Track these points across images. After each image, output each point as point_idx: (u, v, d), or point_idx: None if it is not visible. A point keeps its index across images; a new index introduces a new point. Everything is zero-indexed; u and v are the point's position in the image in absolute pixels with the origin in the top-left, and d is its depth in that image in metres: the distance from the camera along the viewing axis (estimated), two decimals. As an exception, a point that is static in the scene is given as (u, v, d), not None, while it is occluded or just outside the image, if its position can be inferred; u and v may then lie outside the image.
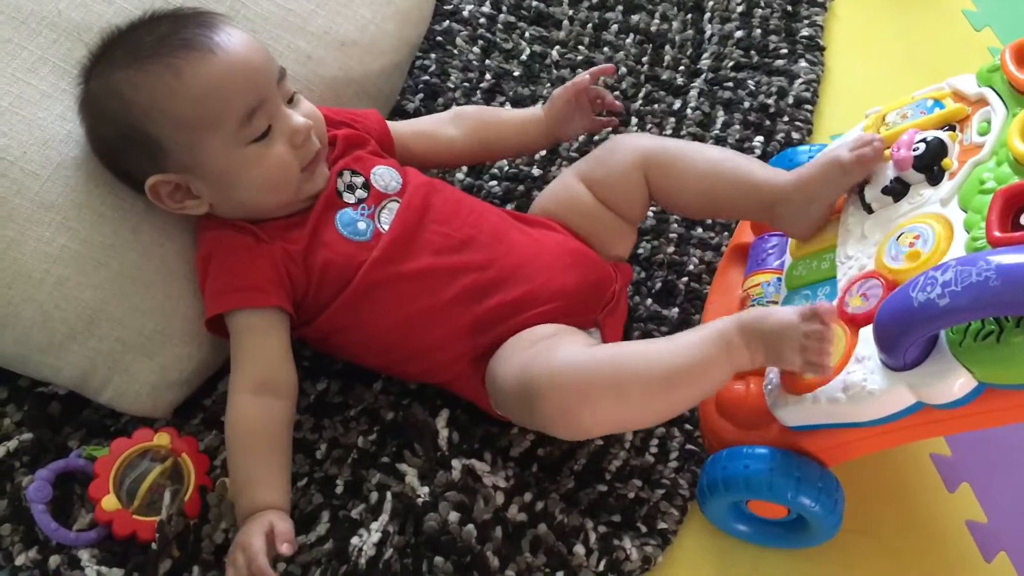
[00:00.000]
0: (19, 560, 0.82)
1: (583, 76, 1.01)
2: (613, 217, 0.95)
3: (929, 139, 0.82)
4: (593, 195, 0.95)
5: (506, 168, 1.11)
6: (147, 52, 0.83)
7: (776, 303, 0.90)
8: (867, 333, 0.76)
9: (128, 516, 0.83)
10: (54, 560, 0.82)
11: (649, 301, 1.03)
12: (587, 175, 0.96)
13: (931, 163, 0.81)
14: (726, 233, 1.08)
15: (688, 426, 0.95)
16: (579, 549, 0.86)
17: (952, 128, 0.84)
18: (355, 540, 0.84)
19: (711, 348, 0.77)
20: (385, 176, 0.92)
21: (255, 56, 0.85)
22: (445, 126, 1.02)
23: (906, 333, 0.69)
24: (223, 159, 0.84)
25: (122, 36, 0.86)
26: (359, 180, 0.91)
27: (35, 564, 0.82)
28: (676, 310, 1.03)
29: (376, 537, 0.83)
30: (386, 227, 0.89)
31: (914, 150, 0.82)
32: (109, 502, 0.83)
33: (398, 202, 0.90)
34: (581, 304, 0.90)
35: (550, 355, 0.80)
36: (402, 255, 0.88)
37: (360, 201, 0.90)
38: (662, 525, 0.89)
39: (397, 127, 1.00)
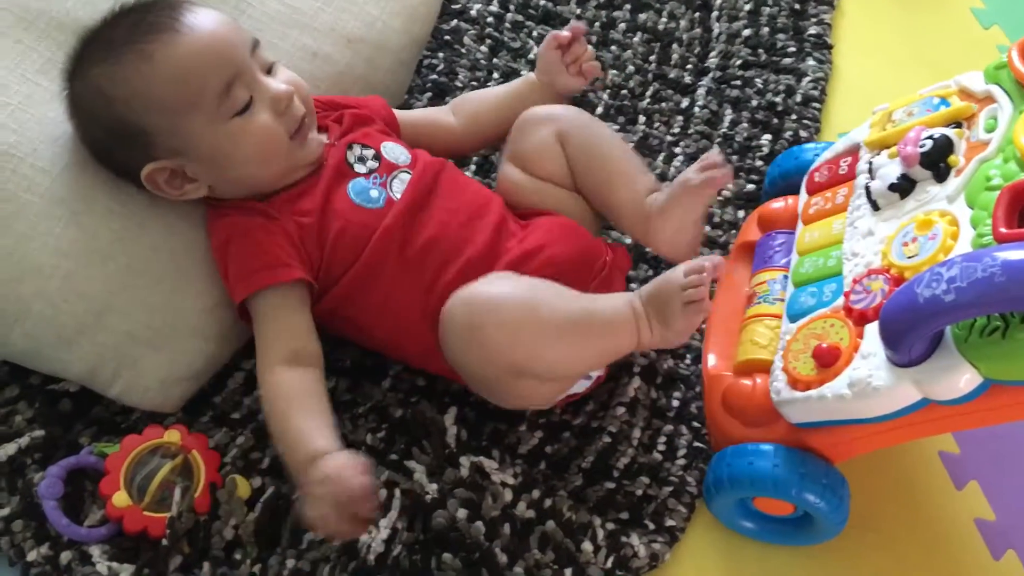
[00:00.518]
0: (31, 556, 0.83)
1: (558, 35, 1.02)
2: (558, 189, 0.96)
3: (936, 136, 0.82)
4: (527, 174, 0.96)
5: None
6: (118, 43, 0.83)
7: (783, 301, 0.90)
8: (873, 329, 0.76)
9: (139, 512, 0.84)
10: (65, 556, 0.83)
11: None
12: (512, 157, 0.98)
13: (938, 160, 0.81)
14: (733, 231, 1.08)
15: (696, 423, 0.96)
16: (587, 546, 0.86)
17: (959, 125, 0.84)
18: (364, 537, 0.84)
19: (623, 308, 0.83)
20: (395, 150, 0.94)
21: (222, 29, 0.85)
22: (445, 114, 1.04)
23: (912, 329, 0.69)
24: (209, 137, 0.84)
25: (95, 33, 0.86)
26: (369, 152, 0.92)
27: (47, 560, 0.83)
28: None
29: (385, 534, 0.84)
30: (398, 195, 0.90)
31: (920, 147, 0.82)
32: (120, 498, 0.84)
33: (409, 173, 0.91)
34: (571, 272, 0.89)
35: (475, 284, 0.83)
36: (412, 224, 0.89)
37: (371, 171, 0.91)
38: (670, 522, 0.90)
39: (401, 113, 1.02)
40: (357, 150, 0.92)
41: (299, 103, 0.88)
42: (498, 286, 0.83)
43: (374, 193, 0.90)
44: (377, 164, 0.92)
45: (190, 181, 0.87)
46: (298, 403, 0.83)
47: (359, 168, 0.91)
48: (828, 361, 0.77)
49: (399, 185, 0.91)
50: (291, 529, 0.85)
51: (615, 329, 0.83)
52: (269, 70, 0.88)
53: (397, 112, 1.01)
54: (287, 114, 0.87)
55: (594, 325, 0.83)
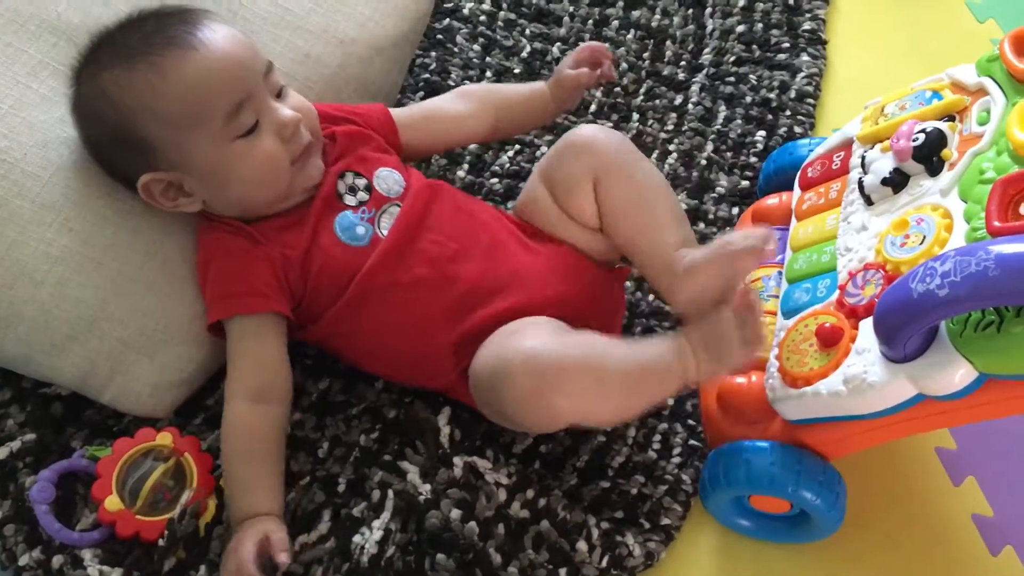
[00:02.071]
0: (23, 560, 0.83)
1: (589, 75, 1.00)
2: (571, 222, 0.91)
3: (928, 130, 0.82)
4: (552, 198, 0.91)
5: (507, 165, 1.11)
6: (132, 52, 0.83)
7: (777, 297, 0.90)
8: (867, 325, 0.75)
9: (131, 516, 0.83)
10: (57, 560, 0.82)
11: (651, 297, 1.03)
12: (547, 176, 0.92)
13: (930, 154, 0.81)
14: (728, 228, 1.08)
15: (691, 421, 0.95)
16: (582, 545, 0.85)
17: (952, 119, 0.83)
18: (357, 538, 0.84)
19: (670, 357, 0.78)
20: (388, 180, 0.91)
21: (240, 51, 0.85)
22: (451, 103, 1.01)
23: (906, 324, 0.69)
24: (212, 155, 0.84)
25: (109, 37, 0.86)
26: (362, 182, 0.90)
27: (38, 564, 0.82)
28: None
29: (378, 535, 0.84)
30: (385, 232, 0.88)
31: (913, 140, 0.82)
32: (112, 502, 0.83)
33: (399, 207, 0.90)
34: (576, 314, 0.87)
35: (522, 339, 0.80)
36: (397, 263, 0.87)
37: (361, 204, 0.89)
38: (665, 521, 0.89)
39: (401, 114, 0.99)
40: (349, 179, 0.90)
41: (305, 130, 0.87)
42: (557, 349, 0.78)
43: (360, 230, 0.88)
44: (368, 197, 0.90)
45: (185, 195, 0.87)
46: (248, 451, 0.84)
47: (349, 200, 0.89)
48: (831, 341, 0.77)
49: (388, 220, 0.89)
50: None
51: (666, 378, 0.79)
52: (279, 94, 0.87)
53: (397, 113, 0.98)
54: (292, 141, 0.86)
55: (647, 379, 0.79)
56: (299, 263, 0.87)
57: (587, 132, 0.91)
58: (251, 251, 0.87)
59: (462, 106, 1.00)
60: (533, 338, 0.80)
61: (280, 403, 0.86)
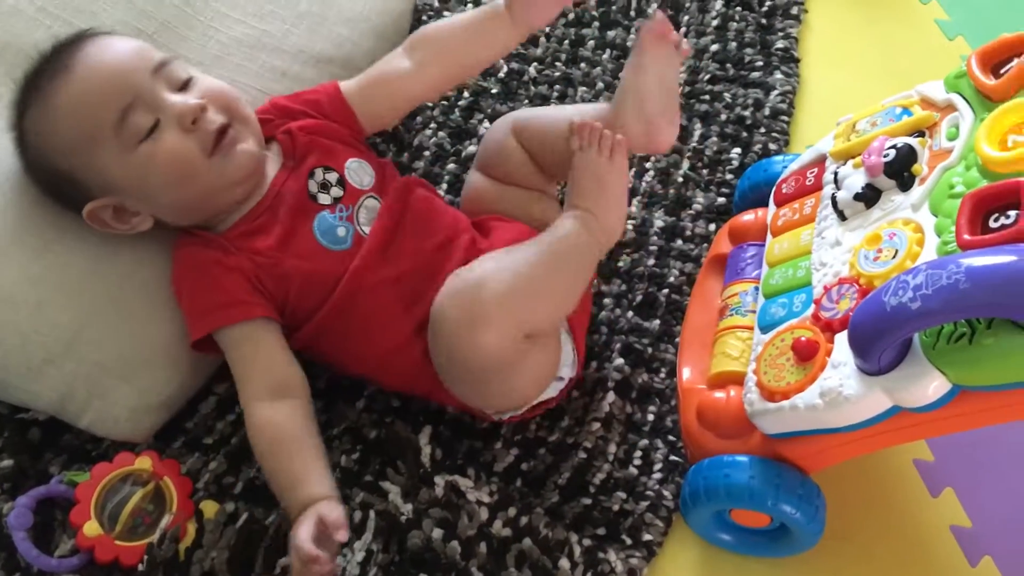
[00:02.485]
0: None
1: None
2: (520, 191, 0.98)
3: (899, 145, 0.83)
4: (490, 179, 0.98)
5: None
6: (29, 91, 0.83)
7: (754, 312, 0.91)
8: (843, 339, 0.76)
9: (110, 541, 0.83)
10: (33, 585, 0.82)
11: (631, 314, 1.03)
12: (478, 162, 1.00)
13: (901, 169, 0.82)
14: (705, 245, 1.09)
15: (671, 437, 0.96)
16: (564, 563, 0.85)
17: (921, 134, 0.84)
18: (339, 560, 0.83)
19: (569, 220, 0.85)
20: (359, 171, 0.91)
21: (116, 57, 0.83)
22: (399, 59, 0.94)
23: (880, 337, 0.69)
24: (122, 168, 0.83)
25: (25, 80, 0.85)
26: (333, 176, 0.89)
27: (15, 586, 0.82)
28: (657, 322, 1.03)
29: (360, 556, 0.83)
30: (366, 229, 0.87)
31: (884, 156, 0.83)
32: (91, 528, 0.83)
33: (375, 199, 0.89)
34: None
35: (475, 271, 0.81)
36: (383, 260, 0.87)
37: (336, 200, 0.88)
38: (647, 537, 0.89)
39: (351, 87, 0.94)
40: (319, 175, 0.88)
41: (215, 114, 0.84)
42: (477, 270, 0.82)
43: (341, 231, 0.87)
44: (342, 192, 0.88)
45: (134, 214, 0.86)
46: (284, 447, 0.82)
47: (323, 199, 0.88)
48: (807, 355, 0.78)
49: (366, 215, 0.88)
50: (265, 554, 0.84)
51: (581, 248, 0.85)
52: (184, 85, 0.84)
53: (348, 89, 0.94)
54: (199, 128, 0.83)
55: (563, 253, 0.84)
56: (275, 271, 0.85)
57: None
58: (223, 261, 0.85)
59: (411, 59, 0.94)
60: (464, 271, 0.82)
61: (299, 395, 0.85)
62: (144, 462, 0.87)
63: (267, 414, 0.83)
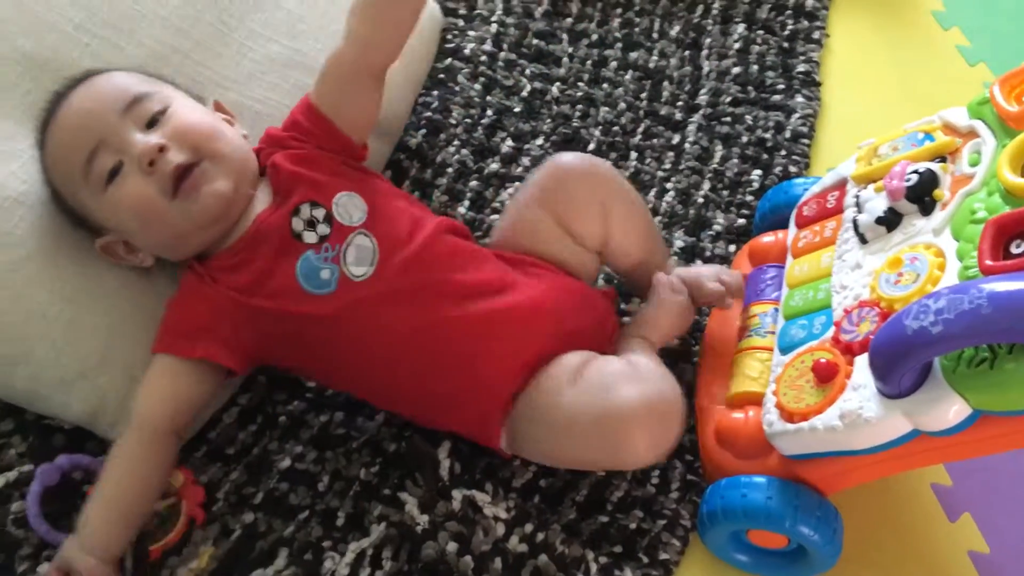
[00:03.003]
0: None
1: None
2: (576, 246, 0.94)
3: (921, 170, 0.83)
4: (556, 223, 0.93)
5: (507, 202, 1.12)
6: (42, 132, 0.87)
7: (773, 334, 0.91)
8: (863, 361, 0.76)
9: None
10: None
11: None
12: (544, 199, 0.93)
13: (923, 193, 0.82)
14: (725, 266, 1.09)
15: (689, 456, 0.96)
16: (580, 580, 0.86)
17: (943, 160, 0.85)
18: (328, 563, 0.85)
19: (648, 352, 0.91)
20: (348, 206, 0.86)
21: (86, 102, 0.83)
22: (337, 46, 0.89)
23: (901, 361, 0.70)
24: (99, 210, 0.85)
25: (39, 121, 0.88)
26: (320, 213, 0.85)
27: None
28: (677, 340, 1.03)
29: (350, 557, 0.84)
30: (354, 270, 0.83)
31: (906, 181, 0.83)
32: None
33: (366, 235, 0.85)
34: (590, 344, 0.89)
35: (621, 387, 0.81)
36: (377, 311, 0.84)
37: (323, 239, 0.84)
38: (664, 556, 0.89)
39: (318, 95, 0.90)
40: (306, 211, 0.84)
41: (177, 154, 0.81)
42: (663, 388, 0.83)
43: (325, 274, 0.83)
44: (328, 230, 0.84)
45: (138, 250, 0.88)
46: (107, 474, 0.83)
47: (308, 237, 0.84)
48: (826, 376, 0.78)
49: (355, 254, 0.84)
50: (241, 567, 0.86)
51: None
52: (153, 122, 0.83)
53: (318, 99, 0.90)
54: (157, 170, 0.81)
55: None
56: (251, 311, 0.83)
57: (583, 160, 0.95)
58: (200, 291, 0.85)
59: (345, 31, 0.88)
60: (630, 383, 0.81)
61: (161, 441, 0.84)
62: (177, 478, 0.88)
63: (129, 442, 0.84)
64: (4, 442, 0.90)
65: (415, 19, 0.90)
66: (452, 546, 0.84)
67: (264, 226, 0.85)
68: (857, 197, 0.89)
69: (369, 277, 0.84)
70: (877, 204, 0.86)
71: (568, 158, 0.94)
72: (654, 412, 0.80)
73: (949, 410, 0.70)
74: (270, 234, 0.84)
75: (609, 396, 0.80)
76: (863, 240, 0.86)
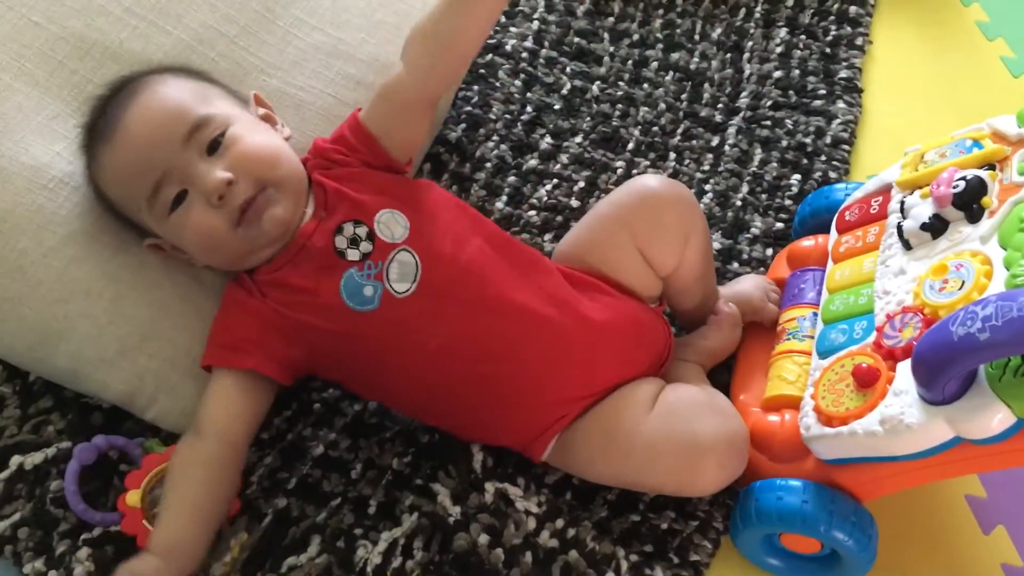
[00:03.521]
0: (26, 569, 0.84)
1: None
2: (647, 269, 0.92)
3: (969, 177, 0.83)
4: (635, 246, 0.91)
5: (545, 199, 1.12)
6: (92, 136, 0.87)
7: (812, 337, 0.91)
8: (905, 367, 0.76)
9: (139, 518, 0.85)
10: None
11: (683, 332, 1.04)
12: (633, 226, 0.91)
13: (971, 201, 0.82)
14: (762, 269, 1.09)
15: (721, 459, 0.95)
16: (610, 577, 0.86)
17: (992, 167, 0.84)
18: (360, 551, 0.85)
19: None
20: (390, 223, 0.86)
21: (148, 129, 0.82)
22: (394, 68, 0.88)
23: (945, 367, 0.69)
24: (160, 230, 0.86)
25: (86, 123, 0.89)
26: (363, 231, 0.85)
27: (38, 576, 0.84)
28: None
29: (383, 546, 0.84)
30: (397, 287, 0.83)
31: (954, 187, 0.83)
32: (133, 497, 0.85)
33: (409, 252, 0.85)
34: (649, 368, 0.92)
35: (703, 417, 0.85)
36: (422, 326, 0.84)
37: (365, 256, 0.84)
38: (694, 557, 0.89)
39: (367, 115, 0.90)
40: (349, 230, 0.85)
41: (245, 186, 0.82)
42: (739, 423, 0.87)
43: (368, 291, 0.83)
44: (371, 248, 0.84)
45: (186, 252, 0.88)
46: (176, 477, 0.83)
47: (351, 255, 0.84)
48: (868, 381, 0.77)
49: (398, 270, 0.84)
50: (274, 554, 0.86)
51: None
52: (215, 148, 0.83)
53: (367, 118, 0.89)
54: (225, 204, 0.82)
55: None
56: (294, 322, 0.84)
57: (673, 186, 0.93)
58: (247, 304, 0.86)
59: (403, 61, 0.88)
60: (711, 416, 0.85)
61: (228, 449, 0.85)
62: None
63: (183, 447, 0.84)
64: (43, 419, 0.91)
65: (476, 52, 0.91)
66: (484, 538, 0.84)
67: (308, 242, 0.85)
68: (902, 203, 0.89)
69: (412, 293, 0.84)
70: (923, 210, 0.85)
71: (656, 182, 0.92)
72: (732, 446, 0.84)
73: (993, 418, 0.70)
74: (313, 251, 0.85)
75: (692, 428, 0.84)
76: (907, 246, 0.85)
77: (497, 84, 1.22)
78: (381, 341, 0.84)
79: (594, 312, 0.88)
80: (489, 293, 0.85)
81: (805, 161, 1.19)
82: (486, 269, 0.86)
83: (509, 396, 0.87)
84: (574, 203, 1.13)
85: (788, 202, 1.15)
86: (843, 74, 1.29)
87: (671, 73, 1.27)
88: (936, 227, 0.83)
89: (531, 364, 0.86)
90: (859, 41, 1.33)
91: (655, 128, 1.21)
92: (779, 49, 1.31)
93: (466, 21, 0.85)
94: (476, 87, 1.20)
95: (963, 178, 0.83)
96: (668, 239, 0.91)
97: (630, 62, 1.28)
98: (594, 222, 0.94)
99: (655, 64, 1.28)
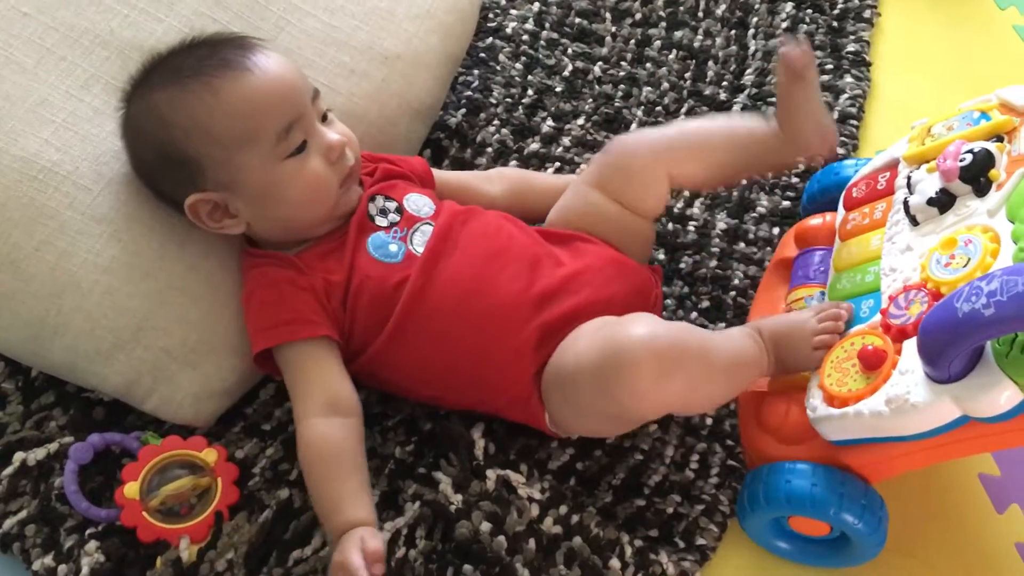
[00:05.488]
0: (36, 566, 0.84)
1: None
2: (633, 218, 0.95)
3: (976, 150, 0.81)
4: (611, 200, 0.94)
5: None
6: (185, 73, 0.84)
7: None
8: (911, 345, 0.74)
9: (139, 510, 0.84)
10: (62, 570, 0.83)
11: (694, 315, 1.02)
12: (605, 183, 0.95)
13: (978, 174, 0.80)
14: (768, 249, 1.07)
15: (730, 442, 0.94)
16: (615, 563, 0.85)
17: (1000, 139, 0.82)
18: None
19: (754, 348, 0.84)
20: (418, 202, 0.93)
21: (290, 74, 0.87)
22: (486, 182, 1.03)
23: (951, 344, 0.68)
24: (262, 174, 0.85)
25: (162, 60, 0.88)
26: (392, 204, 0.92)
27: (47, 572, 0.83)
28: (723, 325, 1.02)
29: (386, 536, 0.84)
30: (419, 249, 0.89)
31: (960, 161, 0.81)
32: (131, 489, 0.85)
33: (432, 225, 0.91)
34: (628, 311, 0.88)
35: (631, 326, 0.79)
36: (433, 276, 0.87)
37: (392, 224, 0.91)
38: (700, 541, 0.88)
39: (440, 173, 1.02)
40: (380, 202, 0.92)
41: (350, 153, 0.89)
42: (673, 332, 0.79)
43: (393, 247, 0.89)
44: (399, 217, 0.91)
45: (231, 216, 0.88)
46: (332, 465, 0.83)
47: (380, 221, 0.91)
48: (874, 363, 0.76)
49: (420, 238, 0.90)
50: (279, 547, 0.86)
51: (753, 368, 0.84)
52: (325, 118, 0.89)
53: (436, 173, 1.01)
54: (339, 163, 0.88)
55: (742, 367, 0.83)
56: (341, 287, 0.87)
57: (643, 144, 0.96)
58: (295, 280, 0.87)
59: (494, 188, 1.02)
60: (643, 325, 0.79)
61: (352, 415, 0.85)
62: (210, 455, 0.88)
63: (321, 429, 0.84)
64: (45, 415, 0.92)
65: None
66: (486, 526, 0.83)
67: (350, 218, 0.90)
68: (909, 178, 0.87)
69: (427, 248, 0.89)
70: (929, 185, 0.83)
71: (627, 140, 0.97)
72: (660, 347, 0.77)
73: (1000, 396, 0.68)
74: (352, 217, 0.90)
75: (614, 332, 0.79)
76: (914, 222, 0.84)
77: (498, 67, 1.20)
78: (399, 289, 0.87)
79: (572, 262, 0.91)
80: (490, 244, 0.90)
81: (812, 138, 1.17)
82: (490, 226, 0.92)
83: (491, 334, 0.86)
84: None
85: (794, 180, 1.13)
86: (851, 48, 1.27)
87: (674, 52, 1.26)
88: (943, 202, 0.82)
89: (503, 296, 0.87)
90: (867, 13, 1.31)
91: (658, 108, 1.19)
92: (785, 24, 1.29)
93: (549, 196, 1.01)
94: (476, 71, 1.19)
95: (970, 151, 0.81)
96: (637, 185, 0.94)
97: (632, 42, 1.26)
98: (568, 192, 0.98)
99: (658, 43, 1.26)
